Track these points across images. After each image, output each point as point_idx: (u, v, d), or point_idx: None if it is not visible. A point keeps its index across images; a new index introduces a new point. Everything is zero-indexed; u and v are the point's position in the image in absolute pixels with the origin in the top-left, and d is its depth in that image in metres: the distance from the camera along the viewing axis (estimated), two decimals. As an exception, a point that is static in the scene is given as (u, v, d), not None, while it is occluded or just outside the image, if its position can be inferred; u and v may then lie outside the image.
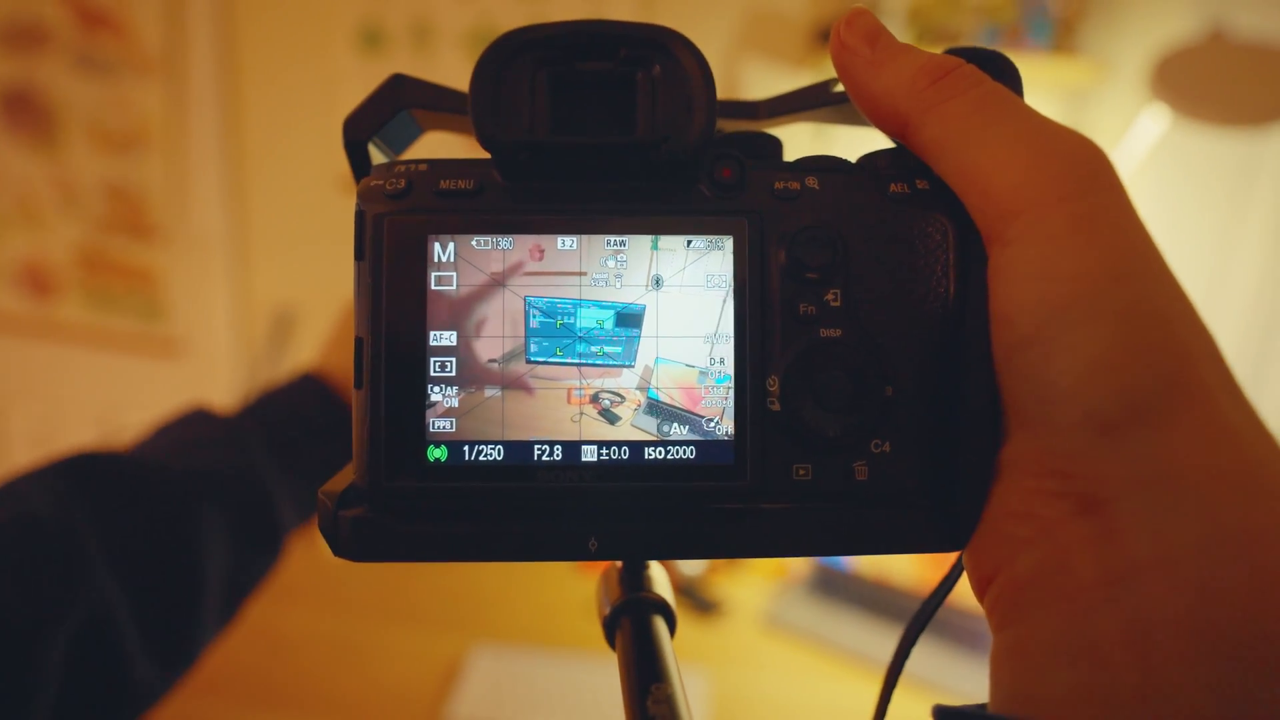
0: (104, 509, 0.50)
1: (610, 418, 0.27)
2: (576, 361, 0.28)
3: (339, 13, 1.74)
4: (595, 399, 0.27)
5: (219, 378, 1.90)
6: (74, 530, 0.48)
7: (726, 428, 0.27)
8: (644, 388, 0.28)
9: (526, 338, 0.27)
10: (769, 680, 1.36)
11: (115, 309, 1.92)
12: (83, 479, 0.51)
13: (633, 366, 0.28)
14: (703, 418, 0.27)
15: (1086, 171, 0.24)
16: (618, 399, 0.28)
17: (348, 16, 1.73)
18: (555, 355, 0.28)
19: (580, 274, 0.28)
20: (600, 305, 0.28)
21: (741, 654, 1.41)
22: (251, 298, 1.90)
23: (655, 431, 0.27)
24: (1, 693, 0.43)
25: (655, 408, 0.27)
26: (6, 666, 0.43)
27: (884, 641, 1.42)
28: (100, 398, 1.97)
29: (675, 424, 0.27)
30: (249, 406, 0.68)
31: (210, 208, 1.85)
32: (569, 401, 0.27)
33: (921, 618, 0.30)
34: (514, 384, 0.27)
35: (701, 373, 0.27)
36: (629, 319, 0.28)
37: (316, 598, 1.47)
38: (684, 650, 1.37)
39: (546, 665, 1.34)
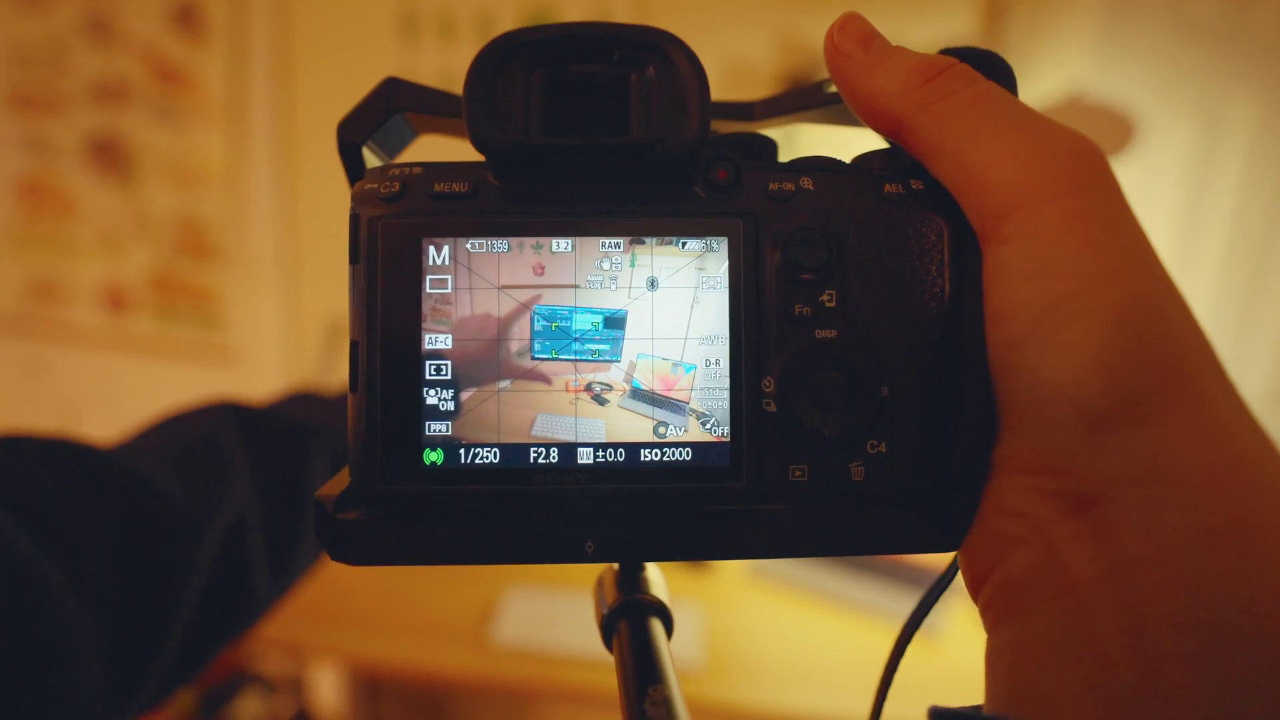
0: (246, 437, 0.53)
1: (600, 401, 0.24)
2: (571, 358, 0.24)
3: (380, 66, 1.74)
4: (588, 388, 0.24)
5: (269, 381, 1.89)
6: (225, 448, 0.51)
7: (718, 424, 0.24)
8: (629, 378, 0.24)
9: (532, 339, 0.24)
10: (752, 617, 1.42)
11: (179, 322, 1.91)
12: (229, 413, 0.54)
13: (619, 362, 0.24)
14: (675, 400, 0.24)
15: (1081, 168, 0.21)
16: (607, 388, 0.24)
17: (388, 70, 1.70)
18: (553, 354, 0.24)
19: (574, 286, 0.24)
20: (592, 311, 0.24)
21: (730, 597, 1.46)
22: (299, 311, 1.88)
23: (638, 411, 0.24)
24: (167, 573, 0.43)
25: (638, 394, 0.24)
26: (173, 551, 0.44)
27: (847, 583, 1.43)
28: (162, 401, 1.93)
29: (653, 406, 0.24)
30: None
31: (264, 234, 1.84)
32: (566, 390, 0.24)
33: (916, 619, 0.26)
34: (515, 375, 0.24)
35: (674, 364, 0.24)
36: (615, 322, 0.24)
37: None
38: (683, 593, 1.43)
39: (568, 600, 1.39)
